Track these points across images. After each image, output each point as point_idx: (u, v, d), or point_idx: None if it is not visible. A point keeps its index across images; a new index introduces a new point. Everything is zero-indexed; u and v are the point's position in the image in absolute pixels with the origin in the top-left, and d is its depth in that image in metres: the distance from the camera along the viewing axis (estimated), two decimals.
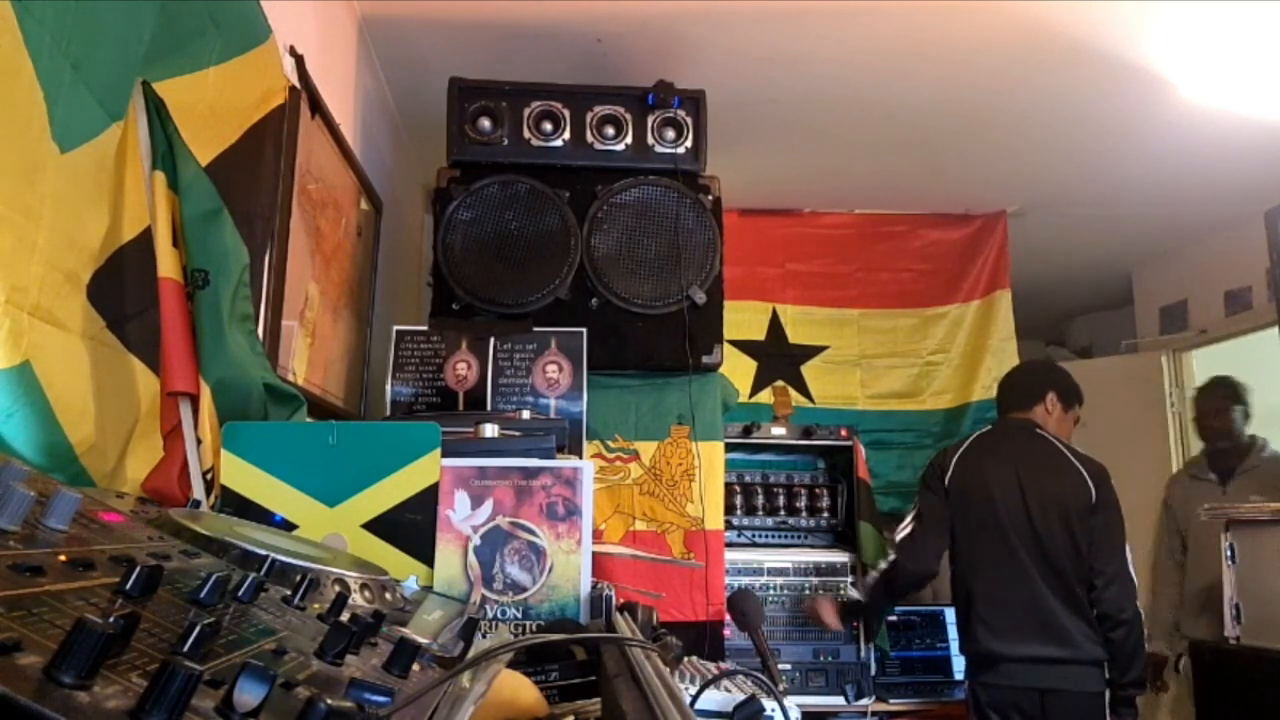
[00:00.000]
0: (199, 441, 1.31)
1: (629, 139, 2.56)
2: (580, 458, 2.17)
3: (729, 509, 3.29)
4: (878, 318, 4.18)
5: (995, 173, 3.80)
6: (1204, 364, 4.62)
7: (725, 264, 2.57)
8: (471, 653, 0.92)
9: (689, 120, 2.58)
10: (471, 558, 1.37)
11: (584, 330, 2.39)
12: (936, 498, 2.83)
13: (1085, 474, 2.71)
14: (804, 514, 3.41)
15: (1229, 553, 2.97)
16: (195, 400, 1.31)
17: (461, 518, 1.38)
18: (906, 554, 2.79)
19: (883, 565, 2.88)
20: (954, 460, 2.85)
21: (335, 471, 1.35)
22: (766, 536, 3.39)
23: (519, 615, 1.36)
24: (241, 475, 1.33)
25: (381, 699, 0.59)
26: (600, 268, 2.49)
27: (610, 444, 2.50)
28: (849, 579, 3.23)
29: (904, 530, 2.88)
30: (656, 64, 2.75)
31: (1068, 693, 2.56)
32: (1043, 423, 2.88)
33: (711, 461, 2.51)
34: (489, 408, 2.30)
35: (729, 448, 2.80)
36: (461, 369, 2.35)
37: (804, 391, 4.04)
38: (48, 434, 1.07)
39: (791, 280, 4.16)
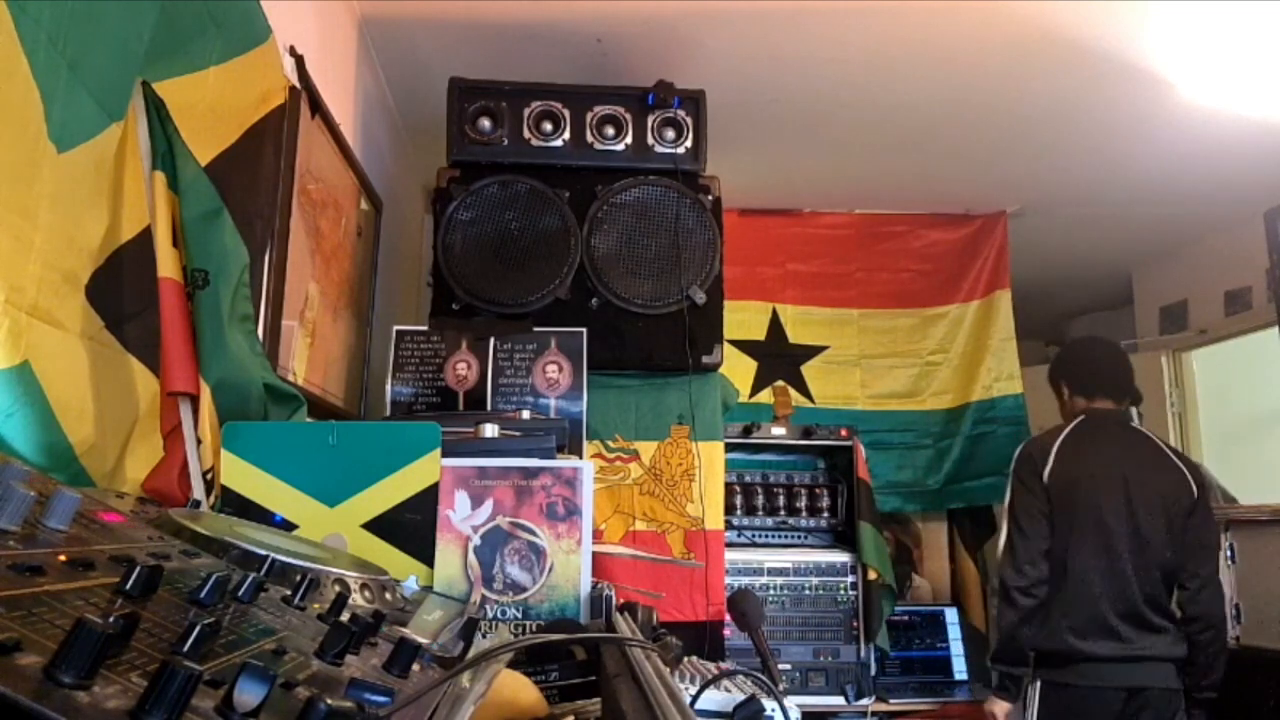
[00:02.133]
0: (199, 441, 1.31)
1: (629, 139, 2.56)
2: (580, 458, 2.17)
3: (729, 509, 3.29)
4: (878, 318, 4.17)
5: (995, 173, 3.80)
6: (1204, 364, 4.63)
7: (725, 264, 2.57)
8: (471, 653, 0.92)
9: (689, 120, 2.58)
10: (471, 558, 1.37)
11: (584, 330, 2.39)
12: (1032, 496, 2.68)
13: (1187, 472, 2.63)
14: (804, 514, 3.41)
15: (1229, 553, 2.97)
16: (195, 400, 1.31)
17: (461, 518, 1.38)
18: (1015, 576, 2.64)
19: (994, 601, 2.75)
20: (1053, 453, 2.69)
21: (335, 471, 1.35)
22: (766, 536, 3.39)
23: (519, 615, 1.36)
24: (241, 475, 1.33)
25: (381, 699, 0.59)
26: (600, 268, 2.49)
27: (610, 444, 2.50)
28: (849, 579, 3.23)
29: (1003, 542, 2.74)
30: (656, 64, 2.75)
31: (1154, 690, 2.51)
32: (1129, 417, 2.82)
33: (711, 461, 2.51)
34: (489, 408, 2.29)
35: (729, 448, 2.80)
36: (461, 369, 2.35)
37: (804, 391, 4.04)
38: (47, 434, 1.07)
39: (791, 280, 4.15)
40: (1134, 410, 2.90)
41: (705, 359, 2.50)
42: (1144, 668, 2.52)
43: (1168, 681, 2.53)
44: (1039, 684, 2.64)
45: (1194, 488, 2.61)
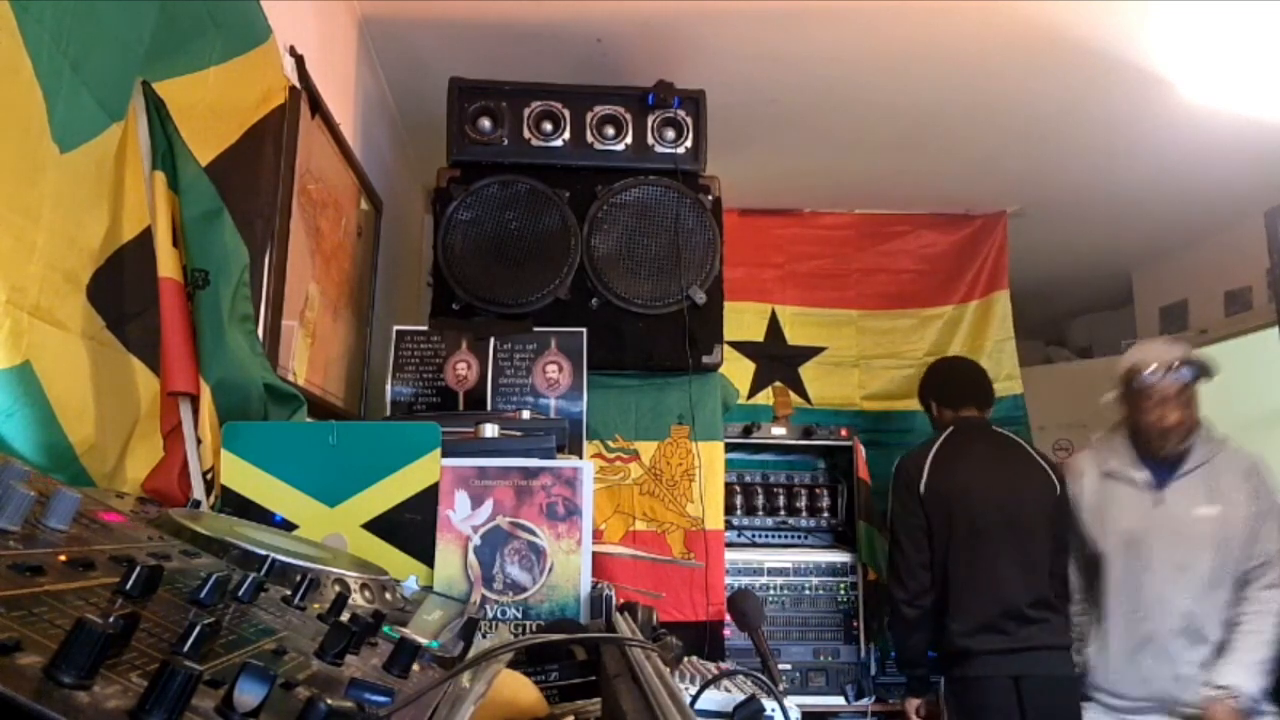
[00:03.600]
0: (199, 441, 1.31)
1: (629, 139, 2.56)
2: (580, 458, 2.17)
3: (729, 509, 3.29)
4: (876, 319, 4.17)
5: (995, 173, 3.79)
6: None
7: (725, 264, 2.57)
8: (471, 653, 0.92)
9: (689, 120, 2.58)
10: (471, 558, 1.37)
11: (584, 330, 2.39)
12: (909, 511, 2.81)
13: (1050, 470, 2.80)
14: (804, 514, 3.41)
15: None
16: (195, 400, 1.31)
17: (461, 518, 1.38)
18: (898, 589, 2.78)
19: (889, 615, 2.90)
20: (926, 467, 2.81)
21: (335, 471, 1.35)
22: (766, 536, 3.39)
23: (519, 615, 1.36)
24: (241, 475, 1.33)
25: (381, 699, 0.59)
26: (600, 268, 2.49)
27: (610, 444, 2.50)
28: (849, 579, 3.24)
29: (888, 561, 2.90)
30: (656, 64, 2.75)
31: (1038, 676, 2.62)
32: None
33: (711, 461, 2.51)
34: (489, 408, 2.29)
35: (729, 448, 2.80)
36: (461, 369, 2.35)
37: (801, 393, 4.04)
38: (48, 434, 1.07)
39: (790, 281, 4.15)
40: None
41: (705, 359, 2.50)
42: (1025, 657, 2.63)
43: (1054, 669, 2.64)
44: (944, 681, 2.78)
45: (1057, 484, 2.77)
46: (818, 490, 3.44)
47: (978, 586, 2.68)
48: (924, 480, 2.79)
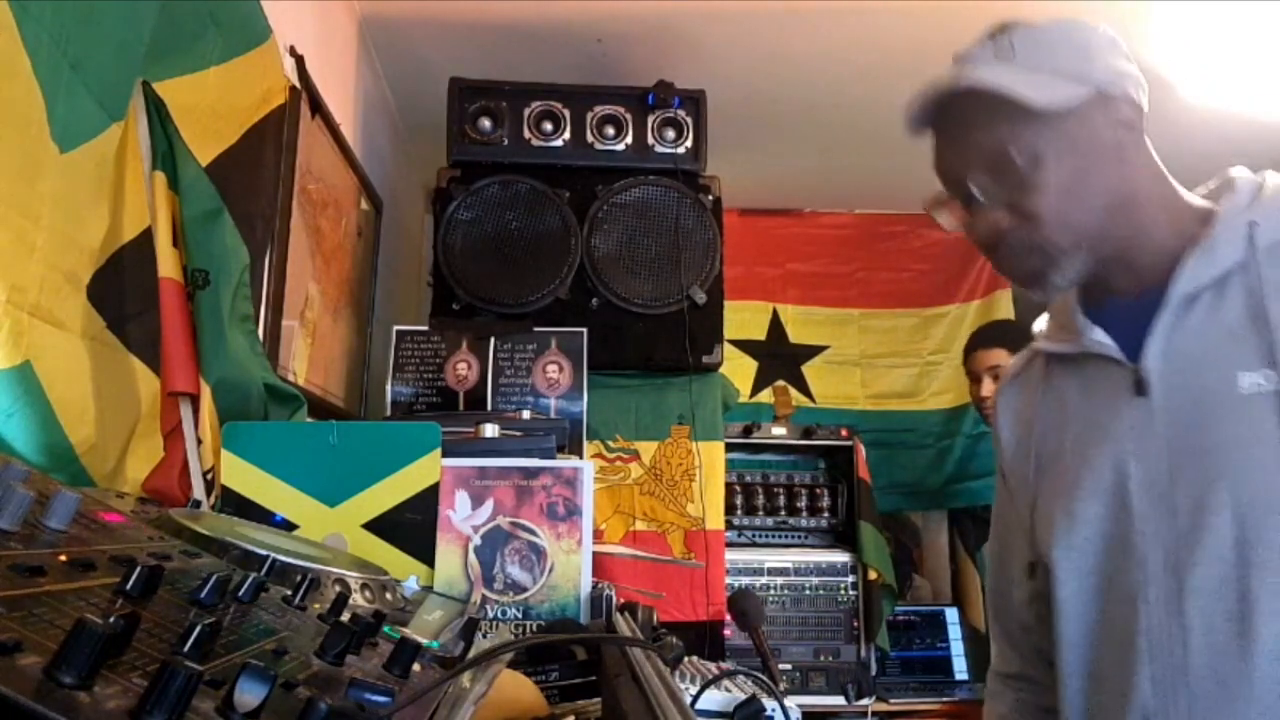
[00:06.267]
0: (199, 441, 1.31)
1: (629, 139, 2.57)
2: (580, 458, 2.17)
3: (729, 509, 3.28)
4: (878, 318, 4.17)
5: None
6: None
7: (725, 264, 2.57)
8: (472, 653, 0.92)
9: (689, 120, 2.59)
10: (472, 558, 1.37)
11: (584, 330, 2.39)
12: None
13: None
14: (804, 514, 3.41)
15: None
16: (195, 400, 1.31)
17: (462, 518, 1.38)
18: None
19: None
20: None
21: (335, 471, 1.35)
22: (767, 536, 3.39)
23: (519, 615, 1.36)
24: (242, 475, 1.33)
25: (382, 699, 0.59)
26: (600, 268, 2.49)
27: (610, 444, 2.50)
28: (849, 579, 3.23)
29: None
30: (656, 64, 2.75)
31: None
32: None
33: (712, 461, 2.51)
34: (489, 408, 2.30)
35: (729, 448, 2.80)
36: (462, 369, 2.35)
37: (805, 391, 4.03)
38: (48, 434, 1.07)
39: (792, 280, 4.15)
40: None
41: (705, 359, 2.50)
42: None
43: None
44: None
45: None
46: (818, 490, 3.44)
47: None
48: None
